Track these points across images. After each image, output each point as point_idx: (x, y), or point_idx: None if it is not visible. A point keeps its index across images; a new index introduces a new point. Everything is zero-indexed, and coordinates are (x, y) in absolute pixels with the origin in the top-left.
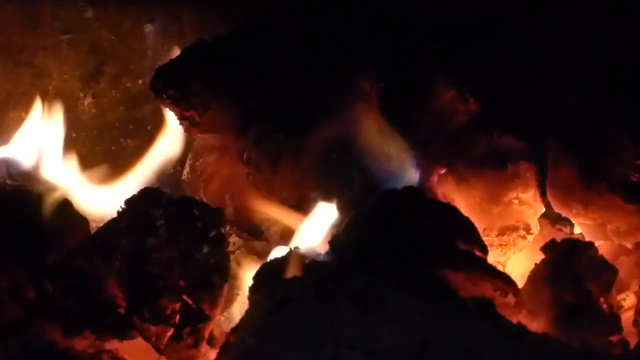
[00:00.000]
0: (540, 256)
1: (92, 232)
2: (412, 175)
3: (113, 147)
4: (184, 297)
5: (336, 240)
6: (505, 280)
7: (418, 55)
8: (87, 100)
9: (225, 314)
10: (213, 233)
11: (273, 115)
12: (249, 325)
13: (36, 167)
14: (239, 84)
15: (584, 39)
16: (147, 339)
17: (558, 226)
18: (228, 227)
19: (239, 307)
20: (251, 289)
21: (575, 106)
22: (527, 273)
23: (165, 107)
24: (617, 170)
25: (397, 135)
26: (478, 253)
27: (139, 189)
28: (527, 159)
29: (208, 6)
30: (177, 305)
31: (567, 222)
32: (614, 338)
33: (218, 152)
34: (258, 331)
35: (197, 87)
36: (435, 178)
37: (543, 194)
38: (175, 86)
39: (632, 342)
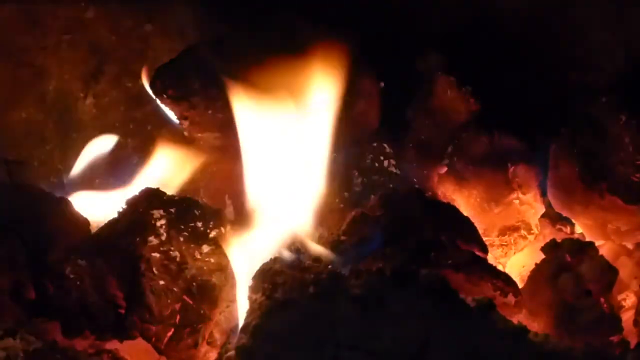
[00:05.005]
0: (540, 256)
1: (92, 232)
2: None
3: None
4: (184, 297)
5: (336, 241)
6: (505, 280)
7: (418, 55)
8: (88, 100)
9: (225, 314)
10: (213, 233)
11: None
12: (249, 325)
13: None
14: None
15: (584, 40)
16: (147, 339)
17: (559, 226)
18: (228, 227)
19: (239, 307)
20: (251, 289)
21: (575, 106)
22: (527, 273)
23: (166, 106)
24: (617, 170)
25: None
26: (478, 253)
27: (139, 189)
28: (528, 159)
29: (208, 6)
30: (177, 305)
31: (568, 222)
32: (614, 338)
33: (218, 152)
34: (258, 331)
35: (197, 87)
36: (435, 178)
37: (544, 194)
38: (175, 86)
39: (633, 342)
